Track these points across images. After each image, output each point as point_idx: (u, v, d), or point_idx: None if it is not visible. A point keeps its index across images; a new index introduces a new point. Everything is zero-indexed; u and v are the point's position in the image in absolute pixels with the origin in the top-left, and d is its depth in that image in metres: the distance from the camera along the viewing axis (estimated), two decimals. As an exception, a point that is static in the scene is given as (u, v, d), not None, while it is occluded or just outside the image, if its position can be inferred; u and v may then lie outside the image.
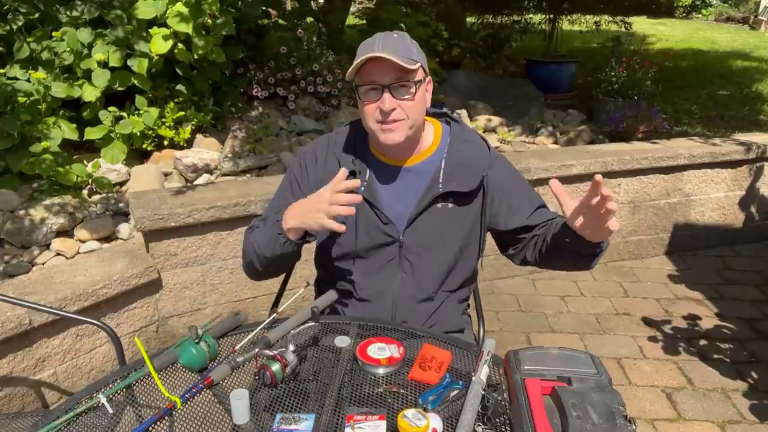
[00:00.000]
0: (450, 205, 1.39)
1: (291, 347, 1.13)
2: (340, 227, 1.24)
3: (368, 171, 1.42)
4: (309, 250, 2.05)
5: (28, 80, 3.05)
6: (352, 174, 1.40)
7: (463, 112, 3.93)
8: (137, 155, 3.33)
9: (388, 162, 1.42)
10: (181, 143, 3.34)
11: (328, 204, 1.23)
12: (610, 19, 6.65)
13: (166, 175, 3.13)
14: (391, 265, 1.42)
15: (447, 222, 1.40)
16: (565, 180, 3.24)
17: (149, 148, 3.31)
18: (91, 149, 3.31)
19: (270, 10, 4.43)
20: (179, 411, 1.05)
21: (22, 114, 2.86)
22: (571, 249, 1.28)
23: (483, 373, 1.08)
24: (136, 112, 3.26)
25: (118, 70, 3.19)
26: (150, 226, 2.40)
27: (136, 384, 1.14)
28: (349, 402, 1.06)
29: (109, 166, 3.02)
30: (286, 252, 1.35)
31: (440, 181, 1.38)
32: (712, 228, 3.72)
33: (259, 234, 1.40)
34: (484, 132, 4.04)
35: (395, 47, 1.26)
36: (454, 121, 1.48)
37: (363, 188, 1.39)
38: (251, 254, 1.41)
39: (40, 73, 3.02)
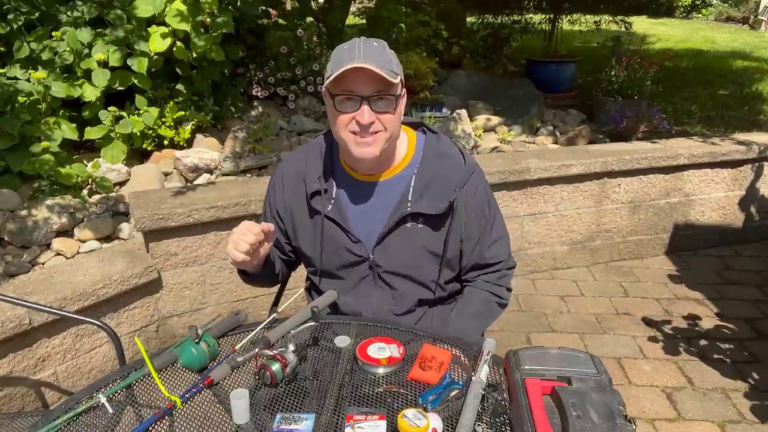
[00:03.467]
0: (420, 225, 1.34)
1: (291, 347, 1.13)
2: (237, 257, 1.23)
3: (335, 188, 1.36)
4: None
5: (28, 80, 3.05)
6: (317, 193, 1.36)
7: (463, 112, 3.93)
8: (137, 155, 3.33)
9: (358, 177, 1.36)
10: (181, 143, 3.34)
11: (235, 237, 1.23)
12: (610, 18, 6.64)
13: (166, 175, 3.13)
14: (366, 282, 1.40)
15: (418, 241, 1.35)
16: (565, 180, 3.25)
17: (149, 148, 3.31)
18: (91, 149, 3.31)
19: (270, 9, 4.43)
20: (179, 411, 1.05)
21: (22, 114, 2.86)
22: None
23: (483, 373, 1.08)
24: (136, 111, 3.26)
25: (118, 70, 3.20)
26: (150, 226, 2.39)
27: (136, 384, 1.14)
28: (349, 402, 1.06)
29: (109, 165, 3.02)
30: (253, 275, 1.37)
31: (409, 199, 1.33)
32: (712, 228, 3.72)
33: None
34: (483, 132, 4.04)
35: (377, 57, 1.19)
36: (431, 132, 1.41)
37: (330, 207, 1.35)
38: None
39: (41, 73, 3.02)
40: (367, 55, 1.18)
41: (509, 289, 1.50)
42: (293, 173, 1.41)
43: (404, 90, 1.29)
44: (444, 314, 1.49)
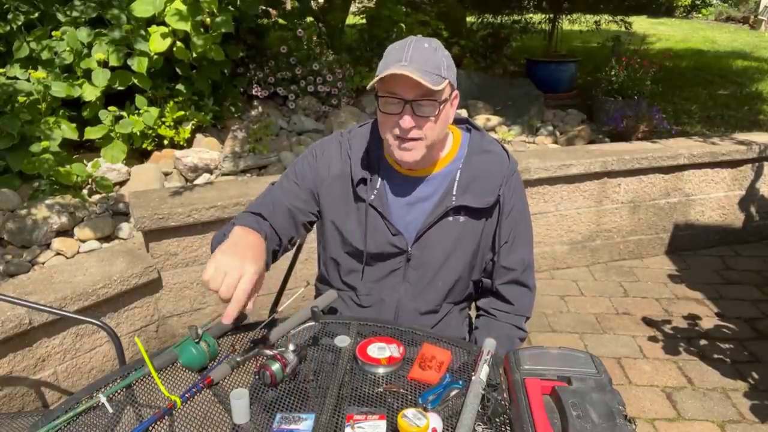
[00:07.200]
0: (461, 219, 1.35)
1: (291, 347, 1.13)
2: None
3: (380, 179, 1.37)
4: (310, 250, 2.05)
5: (28, 80, 3.05)
6: (363, 181, 1.36)
7: (463, 112, 3.93)
8: (137, 155, 3.33)
9: (401, 171, 1.37)
10: (181, 143, 3.34)
11: (227, 284, 1.08)
12: (610, 18, 6.65)
13: (166, 174, 3.13)
14: (396, 274, 1.40)
15: (457, 236, 1.36)
16: (565, 180, 3.24)
17: (149, 148, 3.31)
18: (91, 149, 3.31)
19: (270, 9, 4.43)
20: (179, 411, 1.05)
21: (22, 113, 2.86)
22: None
23: (483, 372, 1.08)
24: (136, 111, 3.26)
25: (118, 70, 3.20)
26: (150, 225, 2.39)
27: (136, 384, 1.14)
28: (349, 402, 1.06)
29: (109, 165, 3.02)
30: None
31: (454, 193, 1.33)
32: (712, 228, 3.72)
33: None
34: (484, 132, 4.04)
35: (424, 61, 1.18)
36: (475, 129, 1.42)
37: (373, 196, 1.35)
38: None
39: (40, 73, 3.02)
40: (414, 59, 1.17)
41: (527, 318, 1.47)
42: (337, 153, 1.40)
43: (455, 92, 1.28)
44: (461, 318, 1.49)
